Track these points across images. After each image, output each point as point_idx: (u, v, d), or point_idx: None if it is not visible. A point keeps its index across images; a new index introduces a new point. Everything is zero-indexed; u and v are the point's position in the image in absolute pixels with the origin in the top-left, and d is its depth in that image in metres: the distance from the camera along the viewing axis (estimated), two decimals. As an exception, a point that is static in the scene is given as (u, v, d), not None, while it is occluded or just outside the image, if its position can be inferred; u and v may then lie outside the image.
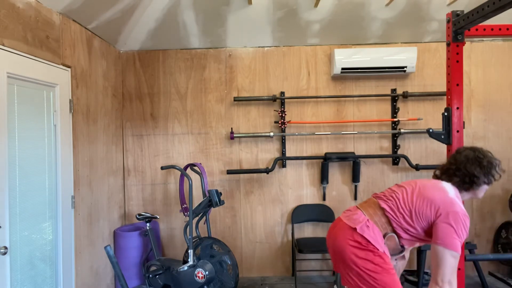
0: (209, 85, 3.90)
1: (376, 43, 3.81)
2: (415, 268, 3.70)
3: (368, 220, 1.87)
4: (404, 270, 3.65)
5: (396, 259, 1.96)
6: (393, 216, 1.86)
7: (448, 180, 1.92)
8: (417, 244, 1.95)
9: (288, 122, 3.82)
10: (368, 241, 1.81)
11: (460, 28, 2.20)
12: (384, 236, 1.86)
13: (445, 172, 1.96)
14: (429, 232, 1.81)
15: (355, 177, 3.81)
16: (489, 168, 1.85)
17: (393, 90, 3.84)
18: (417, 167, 3.76)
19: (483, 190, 1.90)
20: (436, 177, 2.02)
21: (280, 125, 3.81)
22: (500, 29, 2.34)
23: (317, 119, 3.88)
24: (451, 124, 2.30)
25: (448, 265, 1.69)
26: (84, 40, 3.07)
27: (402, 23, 3.49)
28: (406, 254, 2.02)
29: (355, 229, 1.85)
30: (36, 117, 2.45)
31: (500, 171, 1.89)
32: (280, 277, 3.88)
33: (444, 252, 1.70)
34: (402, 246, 1.90)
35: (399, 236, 1.87)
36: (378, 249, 1.81)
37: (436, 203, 1.78)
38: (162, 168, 3.40)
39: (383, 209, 1.90)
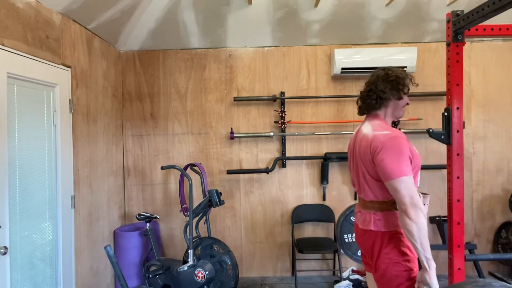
0: (209, 85, 3.90)
1: (376, 43, 3.81)
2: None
3: (374, 213, 1.86)
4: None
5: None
6: (374, 196, 1.85)
7: (366, 107, 1.93)
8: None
9: (288, 122, 3.82)
10: (389, 232, 1.80)
11: (460, 28, 2.20)
12: (395, 209, 1.82)
13: (362, 98, 1.97)
14: None
15: (355, 177, 3.80)
16: (396, 82, 1.86)
17: (393, 90, 3.83)
18: (417, 167, 3.75)
19: (398, 108, 1.91)
20: (359, 109, 2.01)
21: (280, 125, 3.81)
22: (500, 29, 2.34)
23: (317, 119, 3.88)
24: (451, 124, 2.30)
25: (403, 190, 1.64)
26: (84, 40, 3.07)
27: (402, 23, 3.49)
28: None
29: (370, 230, 1.85)
30: (36, 117, 2.45)
31: (410, 83, 1.89)
32: (280, 277, 3.88)
33: (394, 183, 1.67)
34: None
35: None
36: (397, 232, 1.79)
37: (368, 153, 1.78)
38: (162, 168, 3.40)
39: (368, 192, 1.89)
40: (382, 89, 1.86)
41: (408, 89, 1.90)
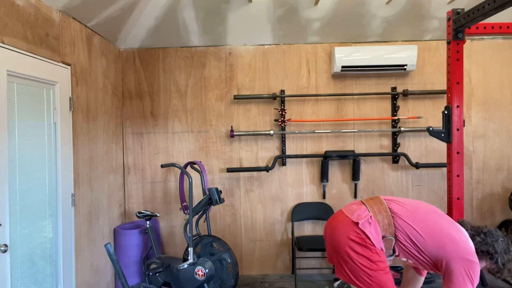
0: (209, 83, 3.90)
1: (377, 41, 3.81)
2: (414, 266, 3.71)
3: (371, 216, 1.86)
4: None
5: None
6: (401, 224, 1.84)
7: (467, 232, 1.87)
8: (410, 260, 1.90)
9: (288, 120, 3.82)
10: (368, 237, 1.81)
11: (461, 26, 2.20)
12: (382, 238, 1.85)
13: (474, 230, 1.89)
14: (430, 258, 1.81)
15: (355, 175, 3.81)
16: (504, 262, 1.82)
17: (393, 88, 3.83)
18: (417, 166, 3.76)
19: (481, 264, 1.86)
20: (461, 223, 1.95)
21: (280, 123, 3.80)
22: (500, 27, 2.34)
23: (317, 117, 3.88)
24: (451, 123, 2.30)
25: None
26: (84, 38, 3.06)
27: (403, 21, 3.48)
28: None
29: (357, 223, 1.84)
30: (36, 115, 2.45)
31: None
32: (280, 275, 3.89)
33: None
34: (394, 251, 1.90)
35: (396, 240, 1.86)
36: (375, 246, 1.81)
37: (457, 245, 1.76)
38: (162, 166, 3.40)
39: (390, 211, 1.87)
40: (493, 251, 1.81)
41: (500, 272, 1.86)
